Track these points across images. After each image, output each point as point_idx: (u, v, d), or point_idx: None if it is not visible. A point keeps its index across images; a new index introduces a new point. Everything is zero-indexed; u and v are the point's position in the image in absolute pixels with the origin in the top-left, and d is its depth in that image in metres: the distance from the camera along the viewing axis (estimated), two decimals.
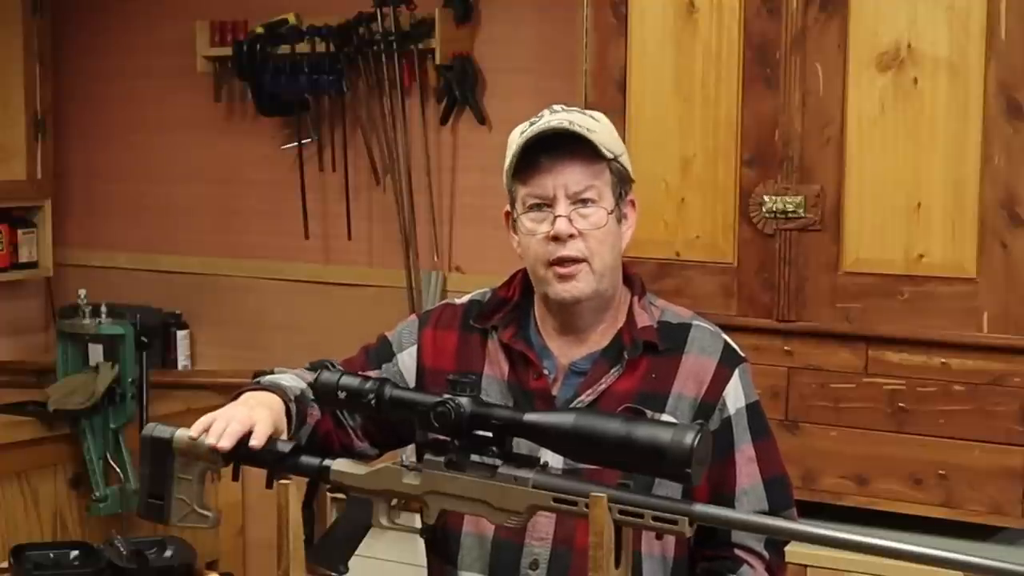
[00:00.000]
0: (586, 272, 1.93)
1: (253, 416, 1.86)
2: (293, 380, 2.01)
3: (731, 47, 3.01)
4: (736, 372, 1.99)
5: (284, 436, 1.91)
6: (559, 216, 1.91)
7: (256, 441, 1.84)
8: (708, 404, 1.96)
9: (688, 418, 1.94)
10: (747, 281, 3.03)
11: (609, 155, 1.94)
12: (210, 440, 1.85)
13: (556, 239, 1.92)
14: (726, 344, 2.02)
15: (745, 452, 1.98)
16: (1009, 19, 2.74)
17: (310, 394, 1.95)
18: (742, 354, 2.03)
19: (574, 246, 1.92)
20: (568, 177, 1.92)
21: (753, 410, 2.00)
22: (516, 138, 1.97)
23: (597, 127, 1.95)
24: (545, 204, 1.93)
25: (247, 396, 1.94)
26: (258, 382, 1.99)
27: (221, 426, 1.85)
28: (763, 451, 2.00)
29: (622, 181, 1.97)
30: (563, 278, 1.93)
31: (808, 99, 2.93)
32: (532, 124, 1.96)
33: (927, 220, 2.84)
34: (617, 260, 1.98)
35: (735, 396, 1.98)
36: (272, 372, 2.06)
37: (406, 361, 2.07)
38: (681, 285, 3.04)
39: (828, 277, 2.94)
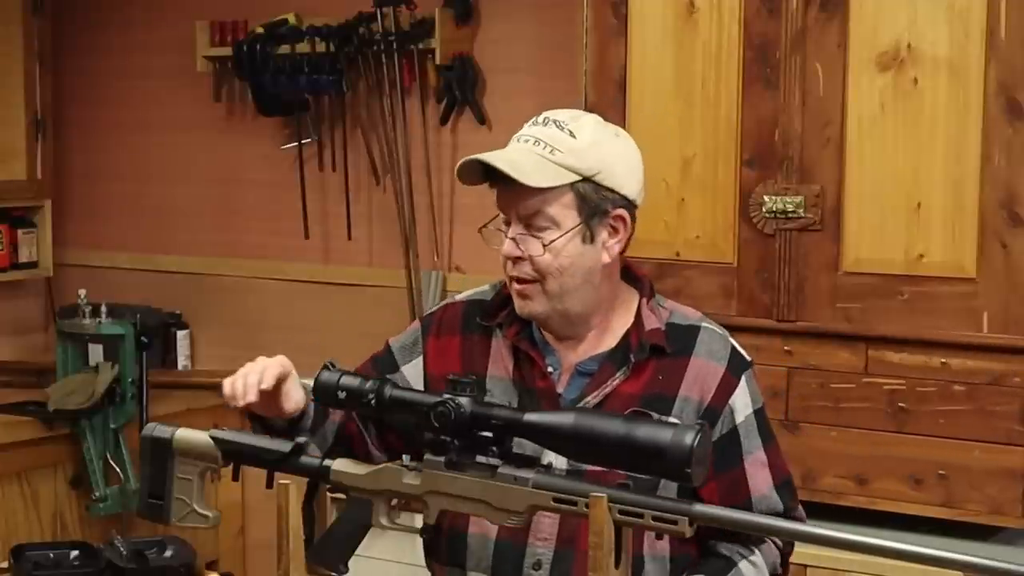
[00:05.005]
0: (538, 292, 1.94)
1: (261, 363, 1.88)
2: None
3: (731, 47, 3.01)
4: (743, 379, 1.99)
5: (300, 397, 1.92)
6: (508, 238, 1.93)
7: (266, 383, 1.85)
8: (714, 409, 1.95)
9: (693, 421, 1.93)
10: (747, 281, 3.03)
11: (558, 183, 1.89)
12: (238, 403, 1.87)
13: (507, 258, 1.94)
14: (733, 349, 2.01)
15: (758, 458, 1.98)
16: (1009, 19, 2.74)
17: None
18: (748, 358, 2.03)
19: (520, 268, 1.93)
20: (518, 201, 1.92)
21: (760, 415, 2.00)
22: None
23: (566, 146, 1.90)
24: (506, 221, 1.95)
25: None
26: None
27: (240, 386, 1.87)
28: (773, 455, 2.00)
29: (591, 201, 1.91)
30: (520, 295, 1.96)
31: (808, 99, 2.93)
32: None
33: (927, 220, 2.84)
34: (589, 278, 1.94)
35: (743, 403, 1.98)
36: None
37: (411, 373, 2.06)
38: (681, 285, 3.04)
39: (828, 277, 2.94)
